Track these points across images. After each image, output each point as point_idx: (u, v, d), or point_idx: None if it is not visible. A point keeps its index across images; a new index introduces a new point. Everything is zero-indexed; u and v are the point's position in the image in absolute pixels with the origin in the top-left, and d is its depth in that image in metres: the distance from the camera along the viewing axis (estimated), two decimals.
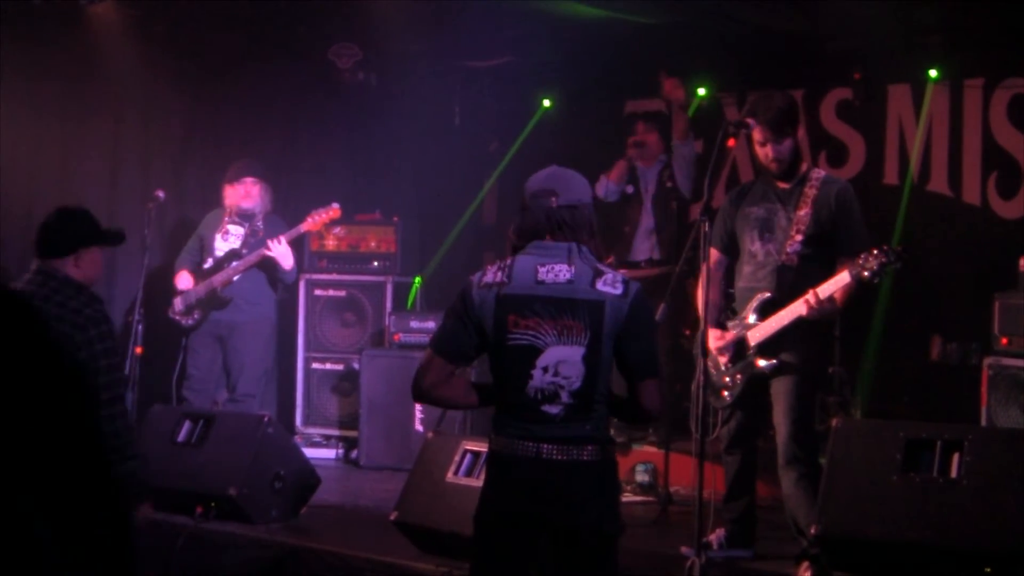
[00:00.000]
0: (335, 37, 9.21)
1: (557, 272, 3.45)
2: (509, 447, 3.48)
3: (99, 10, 8.26)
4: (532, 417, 3.44)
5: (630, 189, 8.24)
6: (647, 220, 8.13)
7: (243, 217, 8.13)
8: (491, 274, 3.52)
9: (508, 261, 3.53)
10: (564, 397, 3.42)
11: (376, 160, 9.90)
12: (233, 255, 8.03)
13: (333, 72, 9.28)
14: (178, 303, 8.06)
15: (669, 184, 8.05)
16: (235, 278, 7.98)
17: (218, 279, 7.99)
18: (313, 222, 8.07)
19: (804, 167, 5.72)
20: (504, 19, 8.49)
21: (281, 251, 7.89)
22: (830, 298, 5.38)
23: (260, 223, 8.13)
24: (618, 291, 3.44)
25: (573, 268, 3.45)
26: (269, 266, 8.03)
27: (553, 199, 3.50)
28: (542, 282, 3.44)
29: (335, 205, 8.07)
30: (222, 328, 8.07)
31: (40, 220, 4.93)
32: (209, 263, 8.13)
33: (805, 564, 5.42)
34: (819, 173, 5.73)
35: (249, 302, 8.06)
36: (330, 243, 9.05)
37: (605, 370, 3.46)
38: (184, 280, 8.07)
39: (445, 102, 10.00)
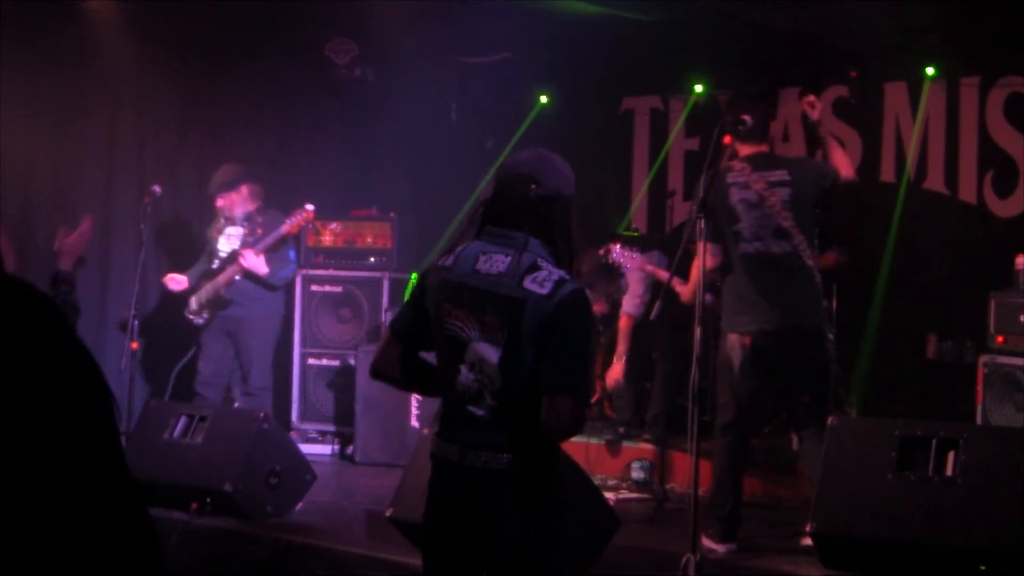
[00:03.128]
0: (332, 33, 9.20)
1: (494, 262, 3.12)
2: (440, 449, 3.22)
3: (95, 5, 8.25)
4: (460, 418, 3.17)
5: None
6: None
7: (243, 218, 8.16)
8: (445, 257, 3.23)
9: (461, 246, 3.22)
10: (488, 399, 3.11)
11: (372, 156, 9.90)
12: (235, 256, 8.04)
13: (330, 68, 9.27)
14: (192, 302, 8.17)
15: None
16: (238, 278, 8.01)
17: (221, 280, 8.05)
18: (290, 225, 8.06)
19: None
20: (501, 15, 8.48)
21: (253, 262, 7.93)
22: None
23: (259, 219, 8.14)
24: (544, 291, 3.04)
25: (510, 259, 3.11)
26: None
27: (533, 186, 3.17)
28: (477, 271, 3.13)
29: (309, 207, 8.06)
30: (231, 324, 8.16)
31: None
32: (216, 264, 8.18)
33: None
34: None
35: (253, 298, 8.11)
36: (326, 239, 9.04)
37: (529, 375, 3.07)
38: (174, 281, 8.12)
39: (442, 98, 9.99)
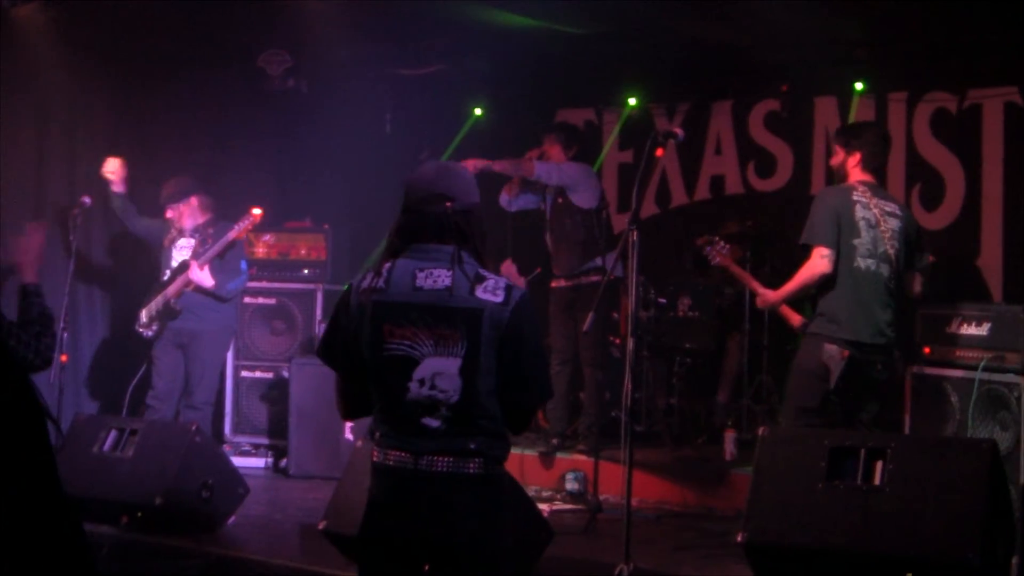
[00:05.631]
0: (266, 44, 9.14)
1: (436, 278, 3.19)
2: (388, 458, 3.24)
3: (23, 12, 8.13)
4: (411, 430, 3.20)
5: (542, 206, 8.25)
6: (548, 236, 8.20)
7: (192, 229, 8.04)
8: (369, 279, 3.25)
9: (387, 265, 3.26)
10: (443, 411, 3.17)
11: (306, 168, 9.86)
12: (184, 267, 7.91)
13: (263, 79, 9.21)
14: (143, 315, 8.00)
15: (560, 200, 8.04)
16: (188, 289, 7.87)
17: (170, 291, 7.89)
18: (238, 230, 7.96)
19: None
20: (435, 28, 8.49)
21: (198, 276, 7.78)
22: None
23: (210, 230, 8.00)
24: (499, 299, 3.17)
25: (453, 274, 3.19)
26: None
27: (448, 203, 3.25)
28: (420, 288, 3.19)
29: (256, 210, 7.93)
30: (183, 336, 7.94)
31: None
32: (166, 275, 8.02)
33: None
34: None
35: (208, 309, 7.92)
36: (260, 250, 8.99)
37: (487, 383, 3.18)
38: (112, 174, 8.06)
39: (376, 110, 9.99)
